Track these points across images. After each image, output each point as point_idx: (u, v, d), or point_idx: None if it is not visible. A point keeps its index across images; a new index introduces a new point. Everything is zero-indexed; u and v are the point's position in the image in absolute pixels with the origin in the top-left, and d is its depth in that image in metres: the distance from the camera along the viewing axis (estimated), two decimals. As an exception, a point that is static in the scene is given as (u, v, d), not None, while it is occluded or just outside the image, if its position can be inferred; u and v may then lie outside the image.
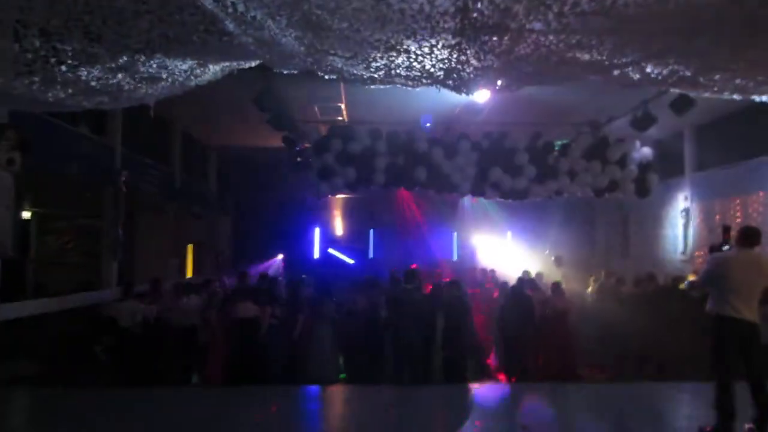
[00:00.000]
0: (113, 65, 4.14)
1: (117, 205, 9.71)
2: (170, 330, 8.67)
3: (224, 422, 5.67)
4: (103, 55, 3.95)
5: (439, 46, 3.98)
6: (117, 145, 9.82)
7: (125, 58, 4.09)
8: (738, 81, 5.00)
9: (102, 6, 3.58)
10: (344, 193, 11.80)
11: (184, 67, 4.57)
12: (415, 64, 4.31)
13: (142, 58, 4.16)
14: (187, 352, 8.56)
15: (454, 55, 4.18)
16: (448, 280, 10.11)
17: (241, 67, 5.10)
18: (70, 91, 4.45)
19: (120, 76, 4.37)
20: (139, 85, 4.64)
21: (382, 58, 4.21)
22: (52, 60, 3.89)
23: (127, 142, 10.16)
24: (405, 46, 3.98)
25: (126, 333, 8.24)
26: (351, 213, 16.57)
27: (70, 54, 3.89)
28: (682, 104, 8.28)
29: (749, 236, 5.10)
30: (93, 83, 4.33)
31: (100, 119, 9.39)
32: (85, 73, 4.14)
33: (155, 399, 6.87)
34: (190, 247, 15.13)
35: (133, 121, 10.08)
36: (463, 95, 5.39)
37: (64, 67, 4.01)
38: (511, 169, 9.97)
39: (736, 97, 5.40)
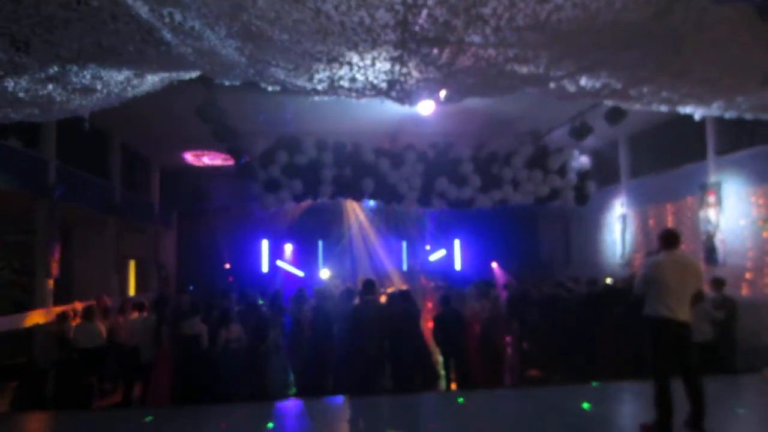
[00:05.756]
0: (43, 76, 3.96)
1: (51, 221, 9.28)
2: (115, 349, 8.36)
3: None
4: (31, 65, 3.78)
5: (381, 59, 4.03)
6: (51, 158, 9.41)
7: (56, 68, 3.93)
8: (664, 93, 5.30)
9: (30, 14, 3.43)
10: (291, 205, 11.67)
11: (120, 77, 4.43)
12: (358, 76, 4.33)
13: (75, 68, 4.00)
14: (130, 372, 8.25)
15: (396, 67, 4.24)
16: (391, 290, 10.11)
17: (180, 78, 4.99)
18: (-5, 102, 4.25)
19: (51, 87, 4.18)
20: (72, 96, 4.46)
21: (324, 69, 4.22)
22: (-25, 70, 3.70)
23: (62, 154, 9.74)
24: (347, 58, 4.01)
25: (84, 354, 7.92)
26: (299, 224, 16.39)
27: (-6, 64, 3.71)
28: (615, 115, 8.67)
29: (672, 238, 5.37)
30: (21, 95, 4.13)
31: (32, 131, 8.98)
32: (12, 84, 3.95)
33: (98, 422, 6.58)
34: (132, 263, 14.61)
35: (69, 133, 9.69)
36: (407, 107, 5.49)
37: (-12, 78, 3.82)
38: (456, 179, 10.16)
39: (663, 108, 5.71)
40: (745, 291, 9.22)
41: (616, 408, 6.68)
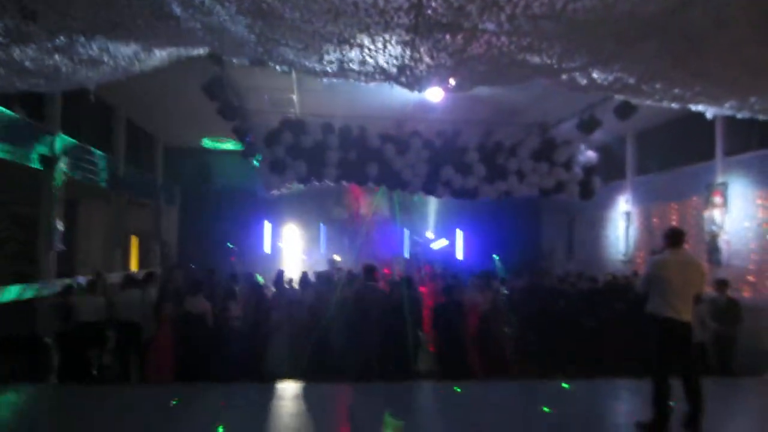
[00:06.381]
0: (50, 45, 3.91)
1: (55, 194, 9.27)
2: (114, 325, 8.37)
3: (171, 419, 5.54)
4: (38, 34, 3.73)
5: (393, 42, 3.97)
6: (56, 130, 9.37)
7: (63, 39, 3.88)
8: (677, 90, 5.22)
9: (38, -18, 3.38)
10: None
11: (128, 51, 4.38)
12: (368, 59, 4.28)
13: (82, 39, 3.95)
14: (129, 348, 8.28)
15: (408, 52, 4.18)
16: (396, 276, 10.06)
17: (189, 54, 4.94)
18: (1, 71, 4.20)
19: (57, 57, 4.14)
20: (78, 67, 4.41)
21: (334, 51, 4.16)
22: (-19, 37, 3.65)
23: (67, 127, 9.71)
24: (358, 41, 3.95)
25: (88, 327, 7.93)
26: (302, 206, 16.35)
27: (1, 32, 3.66)
28: (625, 110, 8.57)
29: (677, 236, 5.33)
30: (27, 63, 4.09)
31: (37, 102, 8.93)
32: (18, 52, 3.90)
33: (98, 396, 6.63)
34: (134, 239, 14.63)
35: (74, 106, 9.64)
36: (416, 93, 5.43)
37: (-6, 45, 3.78)
38: (461, 168, 10.09)
39: (674, 105, 5.63)
40: (746, 293, 9.19)
41: (612, 405, 6.69)
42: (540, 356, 8.85)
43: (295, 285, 9.56)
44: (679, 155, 11.50)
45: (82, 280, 9.25)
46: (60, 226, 9.41)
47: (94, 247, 12.88)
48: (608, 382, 7.36)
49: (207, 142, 14.61)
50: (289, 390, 6.99)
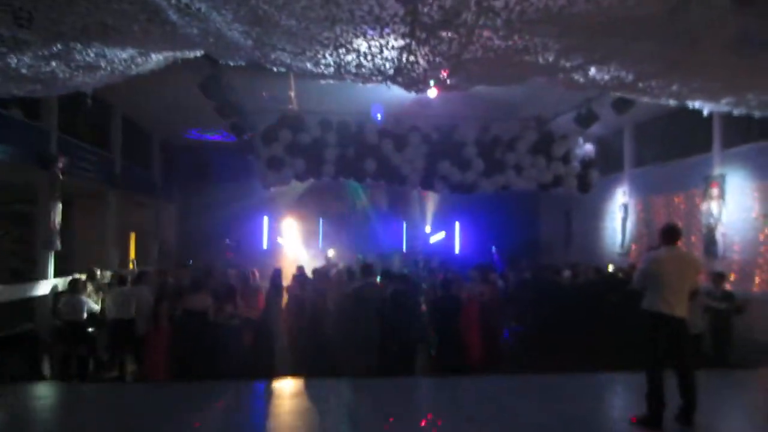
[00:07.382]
0: (46, 53, 3.91)
1: (52, 192, 9.26)
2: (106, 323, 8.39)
3: (166, 418, 5.57)
4: (34, 41, 3.73)
5: (389, 47, 3.97)
6: (52, 129, 9.35)
7: (59, 46, 3.88)
8: (674, 87, 5.24)
9: (33, -11, 3.37)
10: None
11: (124, 55, 4.38)
12: (364, 62, 4.28)
13: (78, 45, 3.95)
14: (123, 347, 8.30)
15: (404, 56, 4.19)
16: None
17: (185, 56, 4.93)
18: (-2, 78, 4.20)
19: (54, 64, 4.13)
20: (75, 73, 4.41)
21: (331, 55, 4.16)
22: (-23, 46, 3.65)
23: (64, 126, 9.69)
24: (355, 46, 3.95)
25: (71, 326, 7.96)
26: (300, 201, 16.35)
27: (-3, 40, 3.66)
28: (622, 104, 8.57)
29: (673, 233, 5.38)
30: (24, 71, 4.09)
31: (34, 102, 8.90)
32: (15, 60, 3.90)
33: (91, 394, 6.67)
34: (132, 236, 14.63)
35: (71, 105, 9.62)
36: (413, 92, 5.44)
37: (-9, 54, 3.77)
38: (459, 163, 10.09)
39: (671, 102, 5.65)
40: (742, 285, 9.24)
41: (607, 399, 6.74)
42: (538, 349, 8.91)
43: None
44: (676, 147, 11.51)
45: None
46: (57, 224, 9.40)
47: (91, 245, 12.88)
48: (604, 376, 7.41)
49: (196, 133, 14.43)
50: (287, 387, 7.04)
